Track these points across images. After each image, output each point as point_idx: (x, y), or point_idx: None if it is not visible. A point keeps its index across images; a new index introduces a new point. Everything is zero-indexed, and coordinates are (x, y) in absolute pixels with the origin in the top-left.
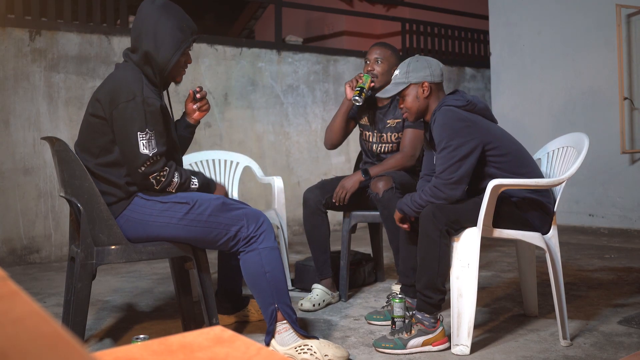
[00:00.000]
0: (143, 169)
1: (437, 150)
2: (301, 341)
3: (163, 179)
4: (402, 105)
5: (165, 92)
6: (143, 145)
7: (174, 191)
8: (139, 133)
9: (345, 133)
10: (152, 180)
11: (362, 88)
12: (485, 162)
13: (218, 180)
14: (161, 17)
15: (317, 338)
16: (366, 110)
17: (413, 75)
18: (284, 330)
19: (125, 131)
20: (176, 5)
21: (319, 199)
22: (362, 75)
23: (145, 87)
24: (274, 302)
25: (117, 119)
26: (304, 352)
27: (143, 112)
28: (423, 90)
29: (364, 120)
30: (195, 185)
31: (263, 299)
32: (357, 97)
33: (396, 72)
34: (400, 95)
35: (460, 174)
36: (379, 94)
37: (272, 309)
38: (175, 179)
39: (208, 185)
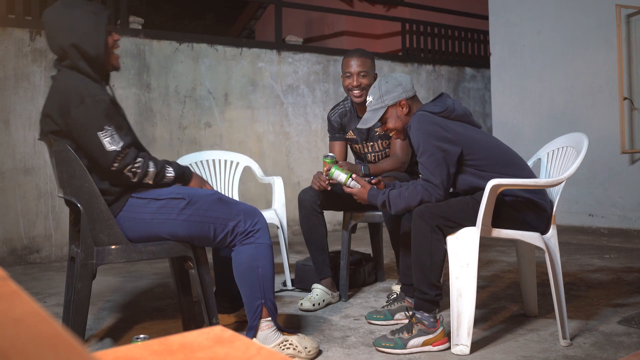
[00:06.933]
0: (116, 165)
1: (417, 155)
2: (282, 337)
3: (139, 170)
4: (386, 129)
5: (108, 87)
6: (108, 142)
7: (151, 182)
8: (98, 133)
9: (346, 153)
10: (127, 173)
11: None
12: (461, 169)
13: (218, 180)
14: (67, 11)
15: (295, 333)
16: (350, 124)
17: (388, 97)
18: (266, 328)
19: (86, 135)
20: None
21: (314, 199)
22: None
23: (89, 86)
24: (262, 297)
25: (73, 126)
26: (287, 348)
27: (96, 111)
28: (402, 108)
29: (350, 135)
30: (171, 173)
31: (250, 292)
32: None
33: (369, 98)
34: (382, 120)
35: (444, 175)
36: (359, 126)
37: (259, 304)
38: (151, 169)
39: (183, 173)
